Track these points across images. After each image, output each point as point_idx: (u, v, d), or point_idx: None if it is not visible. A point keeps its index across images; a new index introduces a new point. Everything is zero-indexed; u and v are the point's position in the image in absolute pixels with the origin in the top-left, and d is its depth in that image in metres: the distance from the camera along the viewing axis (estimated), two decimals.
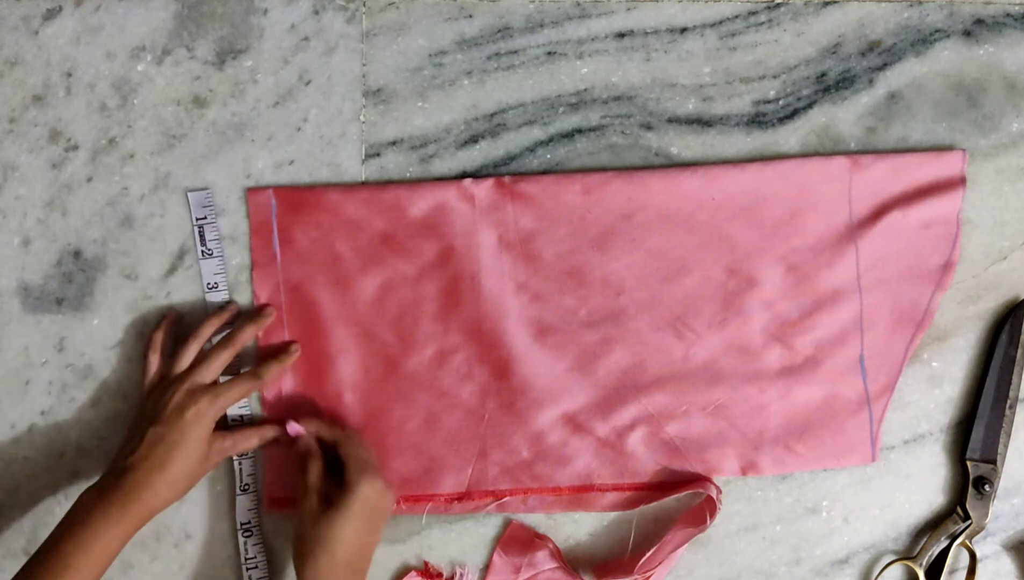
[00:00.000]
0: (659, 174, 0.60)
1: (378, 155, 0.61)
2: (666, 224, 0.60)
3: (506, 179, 0.60)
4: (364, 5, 0.61)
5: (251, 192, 0.61)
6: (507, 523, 0.61)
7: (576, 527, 0.61)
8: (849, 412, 0.60)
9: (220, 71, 0.61)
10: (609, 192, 0.60)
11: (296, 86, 0.61)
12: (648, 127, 0.61)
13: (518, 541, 0.61)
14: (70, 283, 0.61)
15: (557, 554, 0.60)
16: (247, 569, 0.60)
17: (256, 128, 0.61)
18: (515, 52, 0.61)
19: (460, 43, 0.61)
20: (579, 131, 0.61)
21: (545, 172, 0.61)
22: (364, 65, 0.61)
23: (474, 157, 0.61)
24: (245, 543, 0.60)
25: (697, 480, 0.60)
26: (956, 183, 0.60)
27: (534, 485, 0.60)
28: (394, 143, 0.61)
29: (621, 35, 0.61)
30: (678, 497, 0.60)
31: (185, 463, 0.54)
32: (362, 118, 0.61)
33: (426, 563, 0.61)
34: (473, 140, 0.61)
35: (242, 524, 0.60)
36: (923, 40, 0.61)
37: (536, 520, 0.61)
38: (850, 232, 0.60)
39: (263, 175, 0.61)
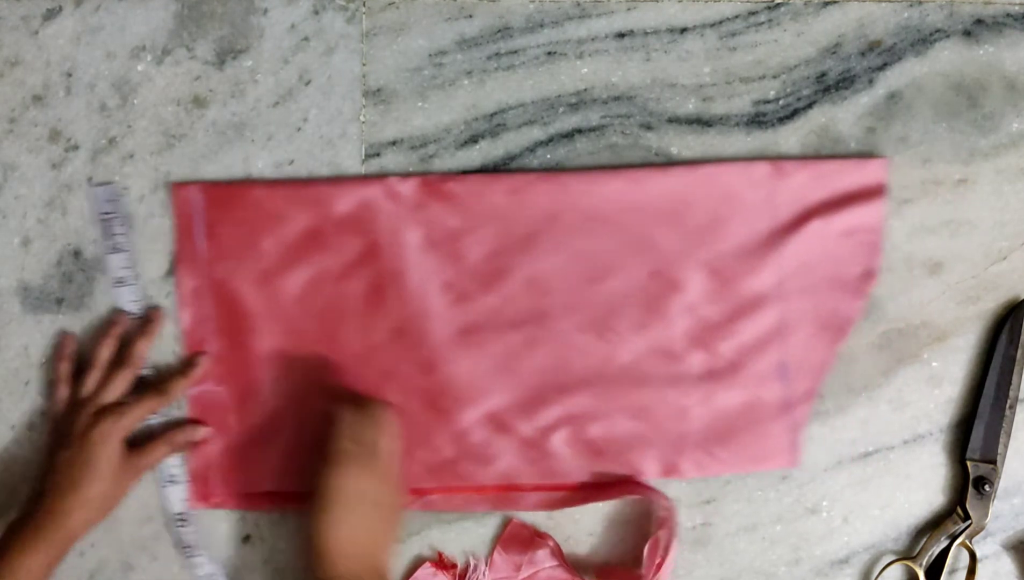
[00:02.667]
0: (584, 176, 0.60)
1: (378, 155, 0.61)
2: (591, 226, 0.60)
3: (432, 177, 0.60)
4: (364, 5, 0.61)
5: (176, 186, 0.60)
6: (507, 522, 0.61)
7: (576, 527, 0.61)
8: (770, 417, 0.60)
9: (220, 71, 0.61)
10: (535, 193, 0.60)
11: (296, 86, 0.61)
12: (648, 127, 0.61)
13: (518, 539, 0.61)
14: (70, 283, 0.61)
15: (558, 552, 0.60)
16: (188, 557, 0.60)
17: (256, 128, 0.61)
18: (515, 52, 0.61)
19: (460, 43, 0.61)
20: (579, 131, 0.61)
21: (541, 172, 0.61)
22: (364, 65, 0.61)
23: (474, 157, 0.61)
24: (180, 534, 0.60)
25: (624, 483, 0.60)
26: (878, 191, 0.60)
27: (457, 484, 0.61)
28: (394, 143, 0.61)
29: (621, 35, 0.61)
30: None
31: (97, 484, 0.54)
32: (362, 118, 0.61)
33: (440, 554, 0.61)
34: (473, 140, 0.61)
35: (176, 515, 0.60)
36: (923, 40, 0.61)
37: (536, 519, 0.61)
38: (773, 238, 0.60)
39: (263, 175, 0.61)
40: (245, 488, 0.61)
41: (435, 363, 0.60)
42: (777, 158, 0.61)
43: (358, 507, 0.52)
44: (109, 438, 0.55)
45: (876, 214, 0.60)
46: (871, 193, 0.60)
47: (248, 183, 0.60)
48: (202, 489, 0.61)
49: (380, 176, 0.60)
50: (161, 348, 0.61)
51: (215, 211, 0.60)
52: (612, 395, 0.60)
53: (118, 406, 0.57)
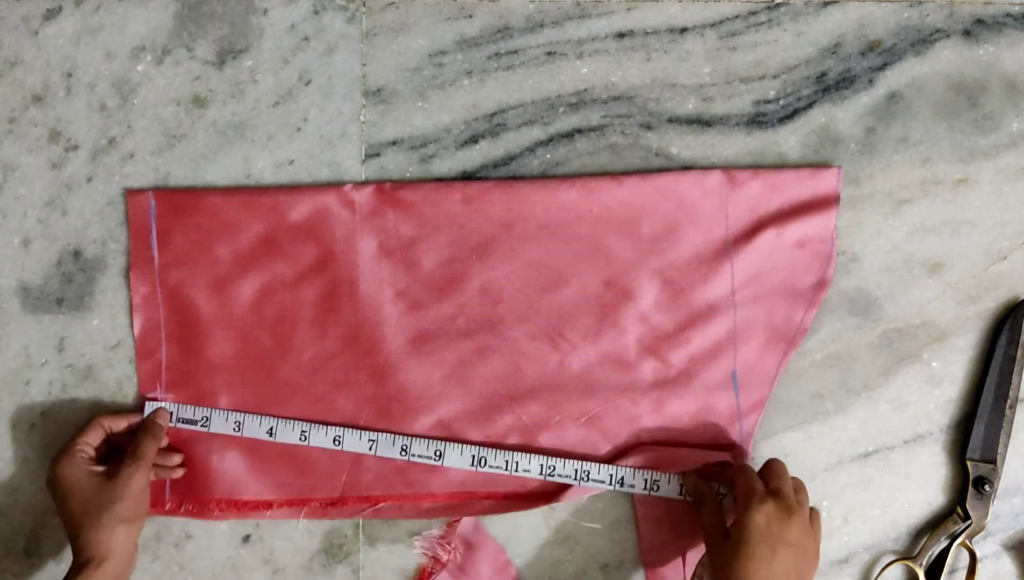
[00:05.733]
0: (538, 185, 0.60)
1: (378, 155, 0.61)
2: (545, 235, 0.60)
3: (387, 186, 0.60)
4: (364, 5, 0.61)
5: (131, 193, 0.61)
6: None
7: (575, 527, 0.61)
8: (720, 426, 0.61)
9: (220, 71, 0.61)
10: (489, 201, 0.60)
11: (296, 86, 0.61)
12: (648, 127, 0.61)
13: None
14: (70, 283, 0.61)
15: None
16: None
17: (256, 128, 0.61)
18: (515, 52, 0.61)
19: (460, 43, 0.61)
20: (579, 131, 0.61)
21: (543, 173, 0.61)
22: (364, 65, 0.61)
23: (474, 157, 0.61)
24: None
25: (576, 492, 0.60)
26: (831, 201, 0.60)
27: (408, 491, 0.61)
28: (394, 143, 0.61)
29: (621, 35, 0.61)
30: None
31: (70, 503, 0.54)
32: (362, 118, 0.61)
33: (423, 569, 0.61)
34: (473, 140, 0.61)
35: None
36: (923, 40, 0.61)
37: (535, 522, 0.61)
38: (726, 248, 0.60)
39: (263, 175, 0.61)
40: (196, 495, 0.61)
41: (387, 371, 0.60)
42: (730, 167, 0.61)
43: (768, 540, 0.51)
44: (54, 462, 0.56)
45: (828, 224, 0.60)
46: (824, 203, 0.60)
47: (203, 190, 0.61)
48: (154, 497, 0.60)
49: (341, 183, 0.61)
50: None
51: (169, 218, 0.60)
52: (563, 403, 0.61)
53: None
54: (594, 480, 0.59)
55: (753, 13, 0.61)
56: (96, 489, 0.54)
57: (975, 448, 0.61)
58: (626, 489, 0.59)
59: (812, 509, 0.55)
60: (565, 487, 0.60)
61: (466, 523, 0.61)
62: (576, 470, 0.59)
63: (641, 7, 0.61)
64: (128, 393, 0.61)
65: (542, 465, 0.59)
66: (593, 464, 0.59)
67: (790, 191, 0.60)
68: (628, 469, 0.59)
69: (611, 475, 0.59)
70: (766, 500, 0.53)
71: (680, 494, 0.59)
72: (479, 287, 0.61)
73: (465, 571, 0.60)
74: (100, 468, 0.56)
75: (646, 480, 0.59)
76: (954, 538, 0.60)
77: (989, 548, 0.62)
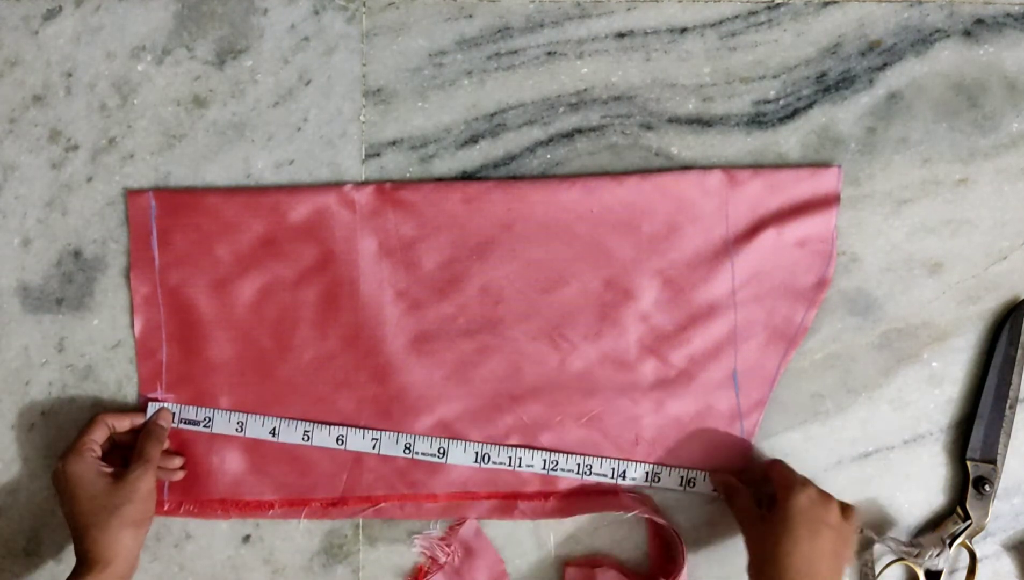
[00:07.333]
0: (539, 185, 0.60)
1: (378, 155, 0.61)
2: (546, 235, 0.60)
3: (387, 186, 0.60)
4: (364, 5, 0.61)
5: (131, 194, 0.61)
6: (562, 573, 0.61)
7: (575, 526, 0.61)
8: (721, 426, 0.61)
9: (220, 71, 0.61)
10: (489, 201, 0.60)
11: (296, 86, 0.61)
12: (648, 127, 0.61)
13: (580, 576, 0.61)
14: (70, 283, 0.61)
15: (622, 568, 0.61)
16: None
17: (256, 128, 0.61)
18: (515, 52, 0.61)
19: (460, 43, 0.61)
20: (579, 131, 0.61)
21: (543, 173, 0.61)
22: (364, 65, 0.61)
23: (474, 157, 0.61)
24: None
25: (577, 493, 0.61)
26: (831, 200, 0.60)
27: (409, 491, 0.61)
28: (394, 143, 0.61)
29: (621, 35, 0.61)
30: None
31: (78, 503, 0.54)
32: (362, 118, 0.61)
33: (420, 567, 0.61)
34: (473, 140, 0.61)
35: None
36: (923, 40, 0.61)
37: (535, 523, 0.61)
38: (726, 247, 0.60)
39: (263, 175, 0.61)
40: (197, 495, 0.61)
41: (388, 371, 0.60)
42: (730, 167, 0.61)
43: (809, 523, 0.53)
44: (60, 463, 0.56)
45: (828, 223, 0.60)
46: (824, 202, 0.60)
47: (203, 191, 0.61)
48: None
49: (341, 183, 0.61)
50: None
51: (169, 218, 0.60)
52: (563, 403, 0.61)
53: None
54: (596, 474, 0.60)
55: (753, 13, 0.61)
56: (104, 490, 0.54)
57: (975, 448, 0.61)
58: (628, 482, 0.60)
59: (848, 504, 0.56)
60: (566, 503, 0.60)
61: (468, 527, 0.61)
62: (579, 464, 0.60)
63: (641, 7, 0.61)
64: (128, 393, 0.61)
65: (545, 460, 0.60)
66: (596, 459, 0.60)
67: (790, 191, 0.60)
68: (630, 463, 0.60)
69: (613, 469, 0.60)
70: (808, 485, 0.55)
71: (681, 486, 0.60)
72: (479, 287, 0.60)
73: (461, 575, 0.60)
74: (109, 468, 0.56)
75: (647, 472, 0.60)
76: (954, 538, 0.60)
77: (989, 548, 0.62)
